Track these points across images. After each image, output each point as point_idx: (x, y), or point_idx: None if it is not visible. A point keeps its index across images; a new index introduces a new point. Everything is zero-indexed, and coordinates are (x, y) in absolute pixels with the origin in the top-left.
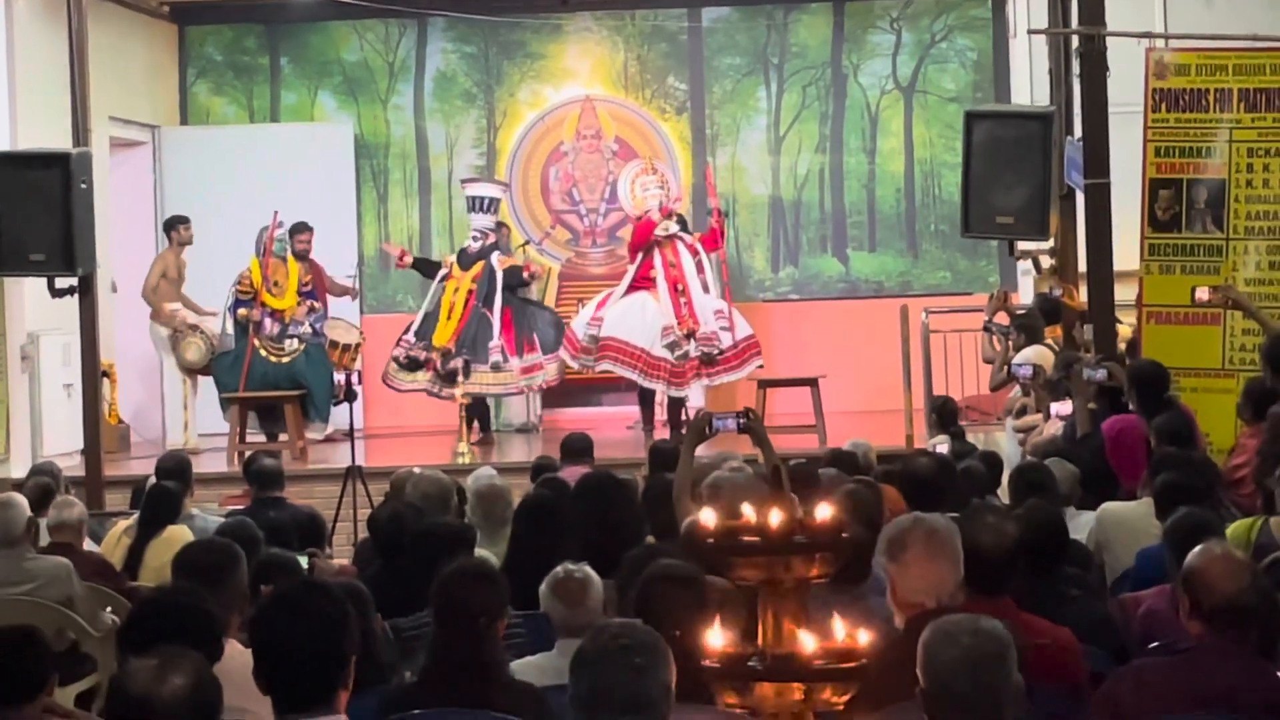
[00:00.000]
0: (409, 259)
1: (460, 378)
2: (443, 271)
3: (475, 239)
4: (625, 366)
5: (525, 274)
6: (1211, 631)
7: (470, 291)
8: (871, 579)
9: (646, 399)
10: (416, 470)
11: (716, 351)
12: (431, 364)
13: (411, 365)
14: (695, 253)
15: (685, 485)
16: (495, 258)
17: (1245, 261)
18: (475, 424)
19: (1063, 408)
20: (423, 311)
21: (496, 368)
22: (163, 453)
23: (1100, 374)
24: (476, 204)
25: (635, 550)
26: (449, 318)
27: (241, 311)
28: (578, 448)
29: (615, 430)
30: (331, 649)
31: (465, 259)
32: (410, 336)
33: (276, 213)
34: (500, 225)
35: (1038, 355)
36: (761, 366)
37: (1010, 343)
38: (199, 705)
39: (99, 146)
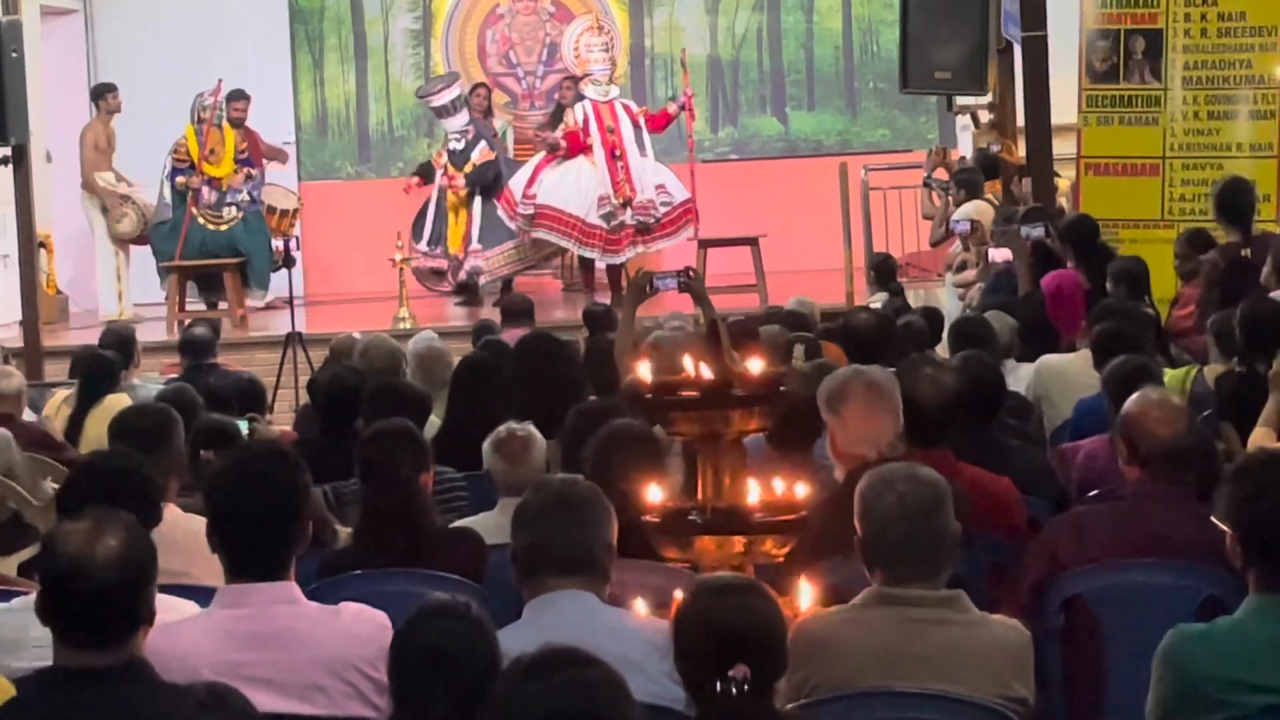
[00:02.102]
0: (415, 180)
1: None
2: (439, 173)
3: (456, 139)
4: (560, 235)
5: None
6: (1149, 477)
7: (468, 192)
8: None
9: (586, 262)
10: (357, 335)
11: (653, 220)
12: (449, 274)
13: (436, 275)
14: (635, 119)
15: (627, 344)
16: (478, 152)
17: (1189, 111)
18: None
19: (999, 254)
20: (430, 216)
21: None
22: (99, 324)
23: (1038, 231)
24: (442, 111)
25: (580, 406)
26: (456, 220)
27: (180, 179)
28: (518, 310)
29: (552, 293)
30: (289, 518)
31: (457, 159)
32: (423, 246)
33: (220, 81)
34: (471, 116)
35: (977, 210)
36: (696, 234)
37: (950, 198)
38: (132, 566)
39: (29, 15)
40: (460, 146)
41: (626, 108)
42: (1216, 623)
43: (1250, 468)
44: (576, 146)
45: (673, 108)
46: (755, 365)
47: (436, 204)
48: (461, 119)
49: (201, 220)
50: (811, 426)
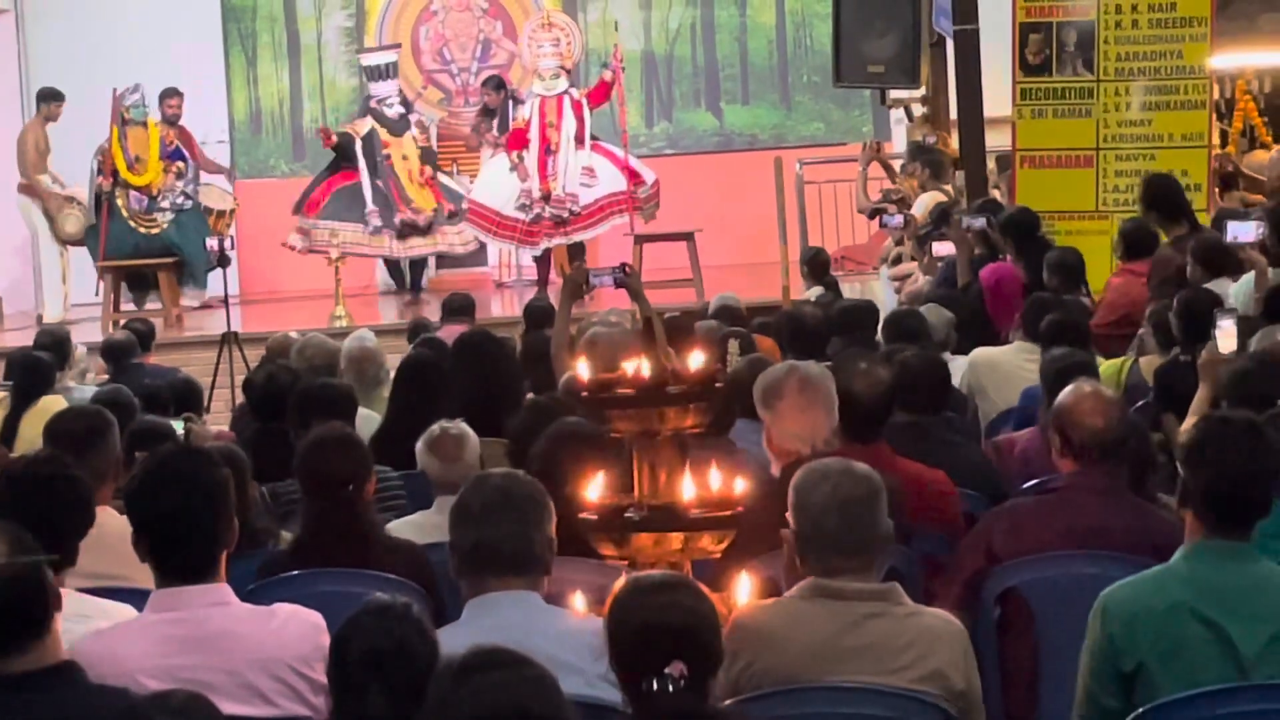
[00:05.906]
0: (335, 139)
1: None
2: (383, 148)
3: (390, 105)
4: (479, 229)
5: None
6: (1081, 468)
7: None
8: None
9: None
10: (293, 334)
11: (567, 214)
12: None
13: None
14: (580, 112)
15: (563, 341)
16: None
17: (1122, 103)
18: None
19: (942, 248)
20: (368, 187)
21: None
22: (34, 325)
23: (979, 223)
24: (375, 73)
25: (532, 401)
26: (410, 181)
27: (99, 180)
28: (458, 306)
29: (488, 290)
30: (210, 516)
31: (396, 125)
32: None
33: (116, 91)
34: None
35: (933, 200)
36: (631, 225)
37: (909, 172)
38: (19, 578)
39: None
40: (395, 116)
41: (575, 103)
42: (1145, 571)
43: (1213, 426)
44: (517, 143)
45: (607, 74)
46: (693, 361)
47: (373, 174)
48: (391, 87)
49: (133, 224)
50: (728, 411)
